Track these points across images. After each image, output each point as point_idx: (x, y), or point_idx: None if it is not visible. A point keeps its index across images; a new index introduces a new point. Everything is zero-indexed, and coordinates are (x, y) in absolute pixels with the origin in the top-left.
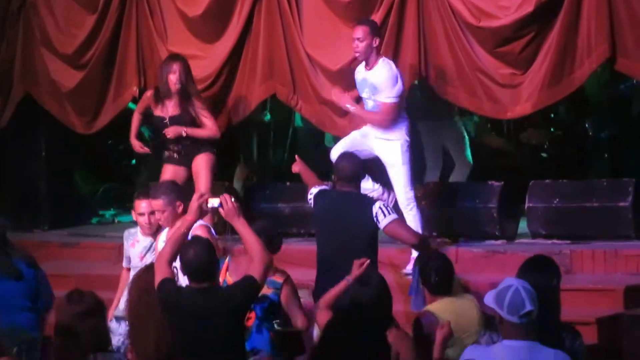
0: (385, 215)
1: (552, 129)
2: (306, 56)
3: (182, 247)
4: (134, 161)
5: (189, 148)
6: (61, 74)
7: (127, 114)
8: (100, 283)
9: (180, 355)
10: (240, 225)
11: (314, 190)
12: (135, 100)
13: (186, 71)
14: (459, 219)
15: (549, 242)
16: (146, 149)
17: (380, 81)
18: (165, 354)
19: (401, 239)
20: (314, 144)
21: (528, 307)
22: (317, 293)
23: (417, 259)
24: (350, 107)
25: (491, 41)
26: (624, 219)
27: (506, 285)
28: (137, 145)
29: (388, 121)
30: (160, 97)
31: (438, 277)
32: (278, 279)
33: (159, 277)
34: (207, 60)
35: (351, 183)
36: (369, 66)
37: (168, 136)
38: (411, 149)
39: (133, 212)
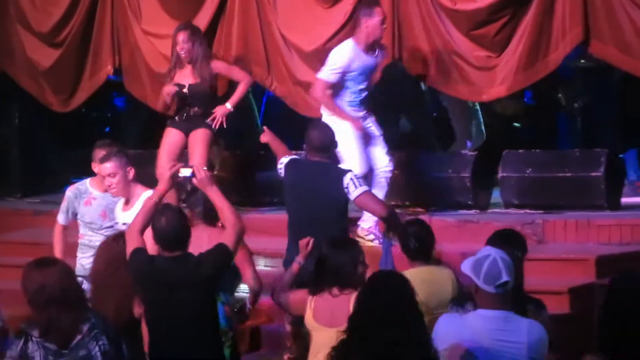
0: (356, 187)
1: (525, 100)
2: (280, 37)
3: (154, 215)
4: (107, 129)
5: (192, 118)
6: (37, 52)
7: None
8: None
9: (152, 324)
10: (213, 194)
11: (284, 160)
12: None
13: (193, 38)
14: (432, 188)
15: (522, 211)
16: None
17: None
18: (124, 323)
19: (371, 211)
20: (288, 113)
21: (504, 277)
22: (288, 262)
23: (395, 226)
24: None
25: (466, 24)
26: (597, 189)
27: (484, 254)
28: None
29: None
30: (175, 66)
31: (418, 243)
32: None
33: (130, 247)
34: None
35: (322, 152)
36: (373, 50)
37: (218, 116)
38: None
39: (93, 164)
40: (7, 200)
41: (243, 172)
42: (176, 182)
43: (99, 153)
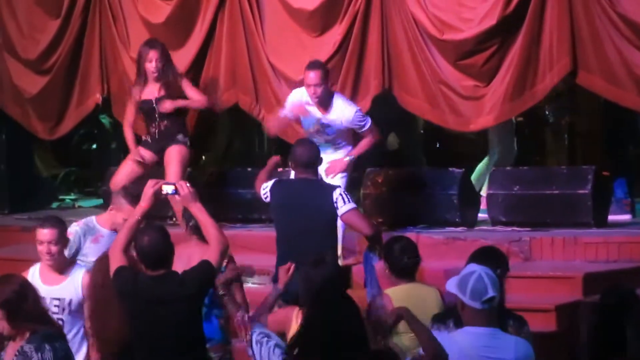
0: (344, 203)
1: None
2: (269, 65)
3: (137, 234)
4: (94, 145)
5: (163, 134)
6: (24, 79)
7: None
8: None
9: (137, 342)
10: (197, 210)
11: (267, 184)
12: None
13: (164, 55)
14: (419, 205)
15: (509, 229)
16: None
17: (354, 115)
18: (126, 339)
19: (357, 228)
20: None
21: (490, 293)
22: (277, 279)
23: (380, 245)
24: (351, 157)
25: (454, 53)
26: (584, 206)
27: (469, 271)
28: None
29: (377, 132)
30: (142, 82)
31: (407, 259)
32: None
33: (114, 265)
34: None
35: (308, 169)
36: (326, 108)
37: (162, 110)
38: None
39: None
40: None
41: (231, 188)
42: (158, 199)
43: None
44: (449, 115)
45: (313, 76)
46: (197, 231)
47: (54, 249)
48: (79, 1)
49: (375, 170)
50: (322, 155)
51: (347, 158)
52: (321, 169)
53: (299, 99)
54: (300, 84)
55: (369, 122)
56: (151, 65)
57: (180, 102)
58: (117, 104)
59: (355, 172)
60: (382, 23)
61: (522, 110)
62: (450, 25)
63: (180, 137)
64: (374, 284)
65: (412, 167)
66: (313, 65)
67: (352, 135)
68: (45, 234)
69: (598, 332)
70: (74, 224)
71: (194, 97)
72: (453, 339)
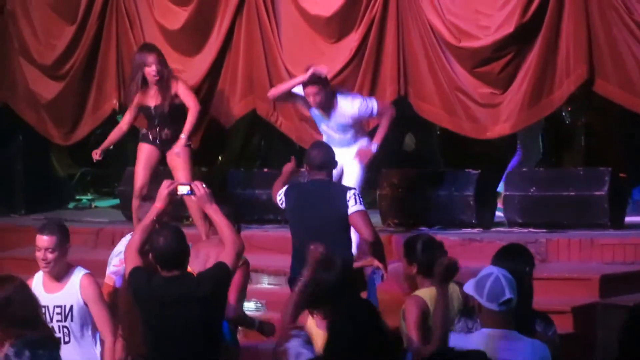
0: (355, 203)
1: None
2: (286, 72)
3: (152, 235)
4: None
5: (165, 142)
6: (40, 84)
7: None
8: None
9: (152, 343)
10: (212, 212)
11: (282, 190)
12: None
13: (161, 60)
14: (435, 206)
15: (525, 230)
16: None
17: (358, 107)
18: None
19: (360, 230)
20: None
21: (507, 295)
22: (292, 280)
23: (379, 255)
24: (377, 144)
25: (471, 61)
26: (600, 207)
27: (486, 273)
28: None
29: (391, 107)
30: (140, 87)
31: (428, 255)
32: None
33: (129, 266)
34: (186, 74)
35: (322, 170)
36: (330, 112)
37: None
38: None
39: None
40: (11, 217)
41: (247, 189)
42: (173, 199)
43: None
44: (466, 123)
45: (311, 91)
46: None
47: (50, 256)
48: (95, 7)
49: (391, 171)
50: (342, 149)
51: (374, 146)
52: (345, 163)
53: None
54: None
55: (375, 106)
56: (151, 70)
57: (186, 131)
58: None
59: (370, 173)
60: (398, 30)
61: (539, 118)
62: (467, 33)
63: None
64: (371, 298)
65: (428, 168)
66: (309, 82)
67: (364, 126)
68: (43, 240)
69: (628, 339)
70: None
71: (190, 106)
72: (470, 340)
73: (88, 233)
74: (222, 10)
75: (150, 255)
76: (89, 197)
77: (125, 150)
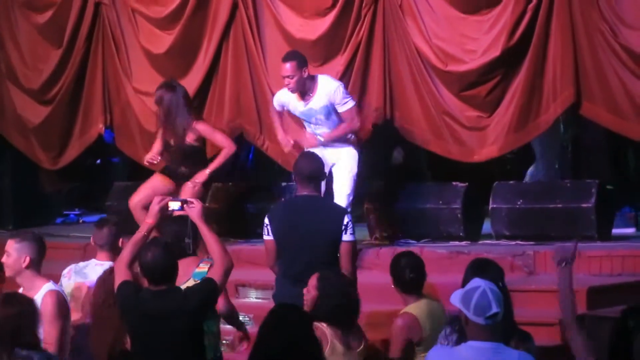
0: (351, 233)
1: None
2: (272, 96)
3: (141, 249)
4: (98, 161)
5: (188, 174)
6: (27, 109)
7: None
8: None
9: (137, 357)
10: (203, 227)
11: (265, 219)
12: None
13: (175, 99)
14: (423, 219)
15: (513, 243)
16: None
17: (330, 99)
18: (118, 354)
19: (345, 260)
20: None
21: (494, 309)
22: (277, 296)
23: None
24: (321, 138)
25: (457, 84)
26: (587, 220)
27: (473, 286)
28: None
29: (359, 124)
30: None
31: (412, 273)
32: (203, 268)
33: (118, 280)
34: None
35: (311, 183)
36: (308, 95)
37: (194, 182)
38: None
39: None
40: None
41: (234, 203)
42: (164, 215)
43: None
44: (453, 146)
45: (285, 67)
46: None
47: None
48: (81, 31)
49: (379, 184)
50: (327, 149)
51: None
52: (333, 170)
53: (283, 94)
54: (304, 114)
55: (351, 103)
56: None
57: (215, 166)
58: (120, 135)
59: (359, 188)
60: (384, 54)
61: (526, 141)
62: (453, 57)
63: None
64: None
65: (416, 181)
66: (287, 56)
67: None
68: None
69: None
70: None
71: (224, 145)
72: (456, 353)
73: (75, 248)
74: (208, 35)
75: (139, 269)
76: (77, 212)
77: (112, 166)
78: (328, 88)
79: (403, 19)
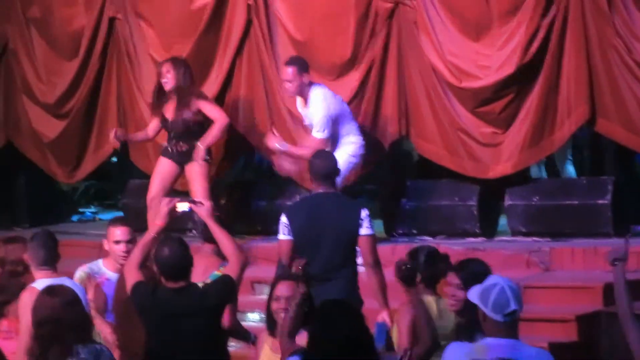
0: (368, 225)
1: None
2: (287, 111)
3: (156, 246)
4: (114, 159)
5: (182, 154)
6: (42, 123)
7: None
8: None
9: (158, 356)
10: (214, 226)
11: (282, 218)
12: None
13: (179, 72)
14: (438, 216)
15: (529, 239)
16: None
17: (312, 116)
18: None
19: (366, 255)
20: None
21: (512, 306)
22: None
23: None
24: (279, 146)
25: (472, 101)
26: (603, 216)
27: (491, 283)
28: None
29: (311, 152)
30: (161, 99)
31: (430, 267)
32: (222, 272)
33: (130, 282)
34: None
35: (327, 181)
36: (305, 102)
37: (198, 159)
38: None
39: (105, 242)
40: (14, 230)
41: (250, 200)
42: (173, 217)
43: (114, 232)
44: (468, 162)
45: (287, 72)
46: (208, 238)
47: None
48: (96, 46)
49: (393, 182)
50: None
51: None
52: None
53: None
54: None
55: (319, 135)
56: (163, 80)
57: (209, 140)
58: (134, 150)
59: (372, 184)
60: (399, 70)
61: (540, 158)
62: (468, 73)
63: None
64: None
65: (432, 178)
66: (289, 60)
67: (348, 125)
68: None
69: None
70: (79, 268)
71: (215, 117)
72: (473, 350)
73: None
74: (221, 51)
75: (155, 267)
76: (93, 210)
77: (128, 163)
78: (312, 112)
79: (417, 35)
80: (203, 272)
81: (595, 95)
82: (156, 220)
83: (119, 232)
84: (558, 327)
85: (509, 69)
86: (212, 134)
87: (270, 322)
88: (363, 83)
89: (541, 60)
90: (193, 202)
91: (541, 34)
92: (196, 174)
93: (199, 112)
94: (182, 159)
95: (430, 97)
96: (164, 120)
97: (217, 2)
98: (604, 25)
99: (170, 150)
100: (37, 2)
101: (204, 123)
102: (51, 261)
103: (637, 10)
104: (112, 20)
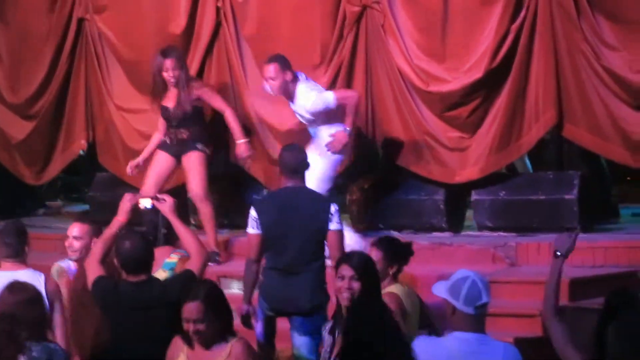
0: (338, 222)
1: None
2: (255, 115)
3: (117, 240)
4: (82, 152)
5: (184, 141)
6: (10, 124)
7: None
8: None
9: (118, 349)
10: (177, 222)
11: (252, 211)
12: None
13: (179, 62)
14: (405, 210)
15: (495, 234)
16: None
17: (311, 103)
18: (103, 346)
19: (334, 249)
20: None
21: (484, 299)
22: (265, 288)
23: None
24: (347, 129)
25: (439, 105)
26: (570, 211)
27: (462, 276)
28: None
29: (354, 94)
30: (162, 91)
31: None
32: (173, 258)
33: (92, 276)
34: (152, 112)
35: (296, 175)
36: (292, 99)
37: (242, 157)
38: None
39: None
40: None
41: (232, 194)
42: (135, 212)
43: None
44: (434, 167)
45: (269, 69)
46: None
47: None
48: (65, 45)
49: (361, 176)
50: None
51: (346, 130)
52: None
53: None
54: (285, 134)
55: (331, 99)
56: (168, 75)
57: (240, 134)
58: (103, 152)
59: (340, 179)
60: (366, 74)
61: (508, 162)
62: (435, 77)
63: (199, 145)
64: None
65: (398, 172)
66: (270, 58)
67: (337, 112)
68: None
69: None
70: (56, 263)
71: (223, 109)
72: (441, 344)
73: (57, 239)
74: (191, 52)
75: (116, 260)
76: (60, 203)
77: (95, 157)
78: (304, 102)
79: (385, 38)
80: (155, 262)
81: (563, 101)
82: (118, 215)
83: (73, 228)
84: (524, 322)
85: (477, 74)
86: (236, 127)
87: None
88: (330, 86)
89: (509, 65)
90: (156, 198)
91: (510, 39)
92: (193, 164)
93: (199, 99)
94: (181, 148)
95: (397, 101)
96: (164, 109)
97: (189, 20)
98: (572, 30)
99: (169, 140)
100: (8, 3)
101: (202, 109)
102: (16, 253)
103: (604, 16)
104: (80, 21)
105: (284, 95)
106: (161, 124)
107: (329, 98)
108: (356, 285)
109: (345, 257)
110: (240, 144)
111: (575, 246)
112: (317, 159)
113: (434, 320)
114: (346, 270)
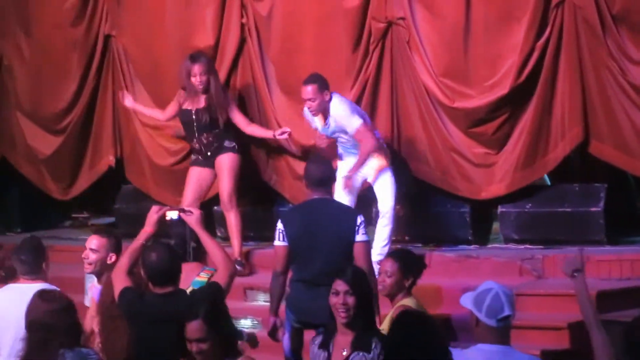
0: (364, 233)
1: None
2: (278, 129)
3: (144, 252)
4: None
5: (209, 149)
6: (38, 139)
7: None
8: (72, 286)
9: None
10: (203, 234)
11: (279, 225)
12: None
13: (208, 68)
14: (431, 223)
15: (521, 247)
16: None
17: (337, 124)
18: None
19: (360, 262)
20: None
21: (507, 311)
22: (291, 300)
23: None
24: (349, 174)
25: (465, 121)
26: (596, 224)
27: (486, 288)
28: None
29: (373, 139)
30: (190, 94)
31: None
32: (203, 277)
33: (118, 287)
34: (174, 128)
35: (321, 187)
36: (325, 119)
37: (321, 145)
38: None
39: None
40: (7, 235)
41: (260, 206)
42: (162, 224)
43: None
44: (460, 183)
45: (307, 90)
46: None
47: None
48: (93, 62)
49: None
50: (349, 157)
51: (346, 175)
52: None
53: (308, 113)
54: (310, 149)
55: (354, 127)
56: (196, 79)
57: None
58: (130, 167)
59: (366, 191)
60: (392, 91)
61: (534, 179)
62: (461, 93)
63: (226, 143)
64: None
65: (424, 186)
66: (308, 79)
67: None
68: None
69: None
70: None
71: (240, 122)
72: (465, 356)
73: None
74: (217, 66)
75: (142, 272)
76: (85, 215)
77: (122, 169)
78: (335, 113)
79: (410, 55)
80: (184, 279)
81: (589, 117)
82: (146, 227)
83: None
84: (550, 335)
85: (502, 90)
86: (263, 130)
87: None
88: (357, 104)
89: (535, 81)
90: (182, 210)
91: (535, 56)
92: (223, 167)
93: (226, 111)
94: (212, 155)
95: (423, 117)
96: (185, 113)
97: (215, 37)
98: (597, 46)
99: (198, 149)
100: (32, 18)
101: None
102: (32, 270)
103: (629, 32)
104: (107, 38)
105: (322, 115)
106: (168, 110)
107: (354, 124)
108: (351, 300)
109: (339, 272)
110: (277, 133)
111: (586, 259)
112: (384, 177)
113: None
114: (340, 286)
